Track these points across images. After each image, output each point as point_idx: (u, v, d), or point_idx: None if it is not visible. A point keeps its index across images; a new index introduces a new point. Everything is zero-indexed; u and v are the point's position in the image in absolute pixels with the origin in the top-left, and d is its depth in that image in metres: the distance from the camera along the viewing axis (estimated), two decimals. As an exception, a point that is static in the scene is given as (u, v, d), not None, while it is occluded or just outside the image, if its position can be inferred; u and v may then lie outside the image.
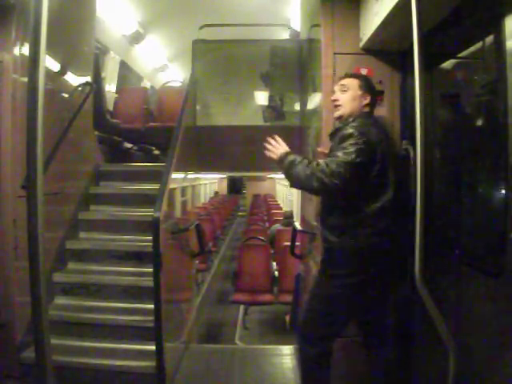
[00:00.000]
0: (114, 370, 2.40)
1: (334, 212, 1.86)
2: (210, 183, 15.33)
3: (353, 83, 1.91)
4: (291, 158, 1.78)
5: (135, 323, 2.60)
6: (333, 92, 1.97)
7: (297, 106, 4.02)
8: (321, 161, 1.73)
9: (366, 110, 1.93)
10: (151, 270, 2.17)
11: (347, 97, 1.91)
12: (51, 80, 2.92)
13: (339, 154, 1.71)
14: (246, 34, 4.36)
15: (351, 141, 1.74)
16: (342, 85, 1.93)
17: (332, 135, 1.96)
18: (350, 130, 1.77)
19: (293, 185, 1.84)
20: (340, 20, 2.31)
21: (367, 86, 1.94)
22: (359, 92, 1.90)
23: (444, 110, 2.12)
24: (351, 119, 1.89)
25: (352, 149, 1.71)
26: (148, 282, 2.44)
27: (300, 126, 3.69)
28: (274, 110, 3.97)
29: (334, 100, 1.94)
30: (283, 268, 4.88)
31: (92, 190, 3.51)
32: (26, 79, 1.06)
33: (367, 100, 1.92)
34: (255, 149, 2.49)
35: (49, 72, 2.83)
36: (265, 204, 14.98)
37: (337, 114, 1.94)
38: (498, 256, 1.47)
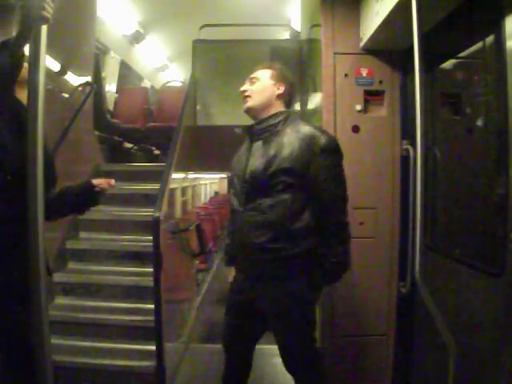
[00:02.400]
0: (113, 370, 2.40)
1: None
2: (211, 183, 15.32)
3: (263, 74, 1.77)
4: (343, 261, 1.64)
5: (135, 323, 2.60)
6: (245, 82, 1.81)
7: (297, 106, 4.02)
8: (333, 221, 1.61)
9: (280, 101, 1.75)
10: (151, 269, 2.17)
11: (256, 87, 1.75)
12: (51, 80, 2.92)
13: (337, 190, 1.62)
14: (246, 34, 4.36)
15: (339, 159, 1.66)
16: (252, 77, 1.78)
17: (257, 134, 1.73)
18: (329, 142, 1.62)
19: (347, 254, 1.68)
20: (340, 20, 2.31)
21: (280, 75, 1.78)
22: (271, 81, 1.75)
23: (444, 109, 2.12)
24: (279, 119, 1.71)
25: (343, 176, 1.65)
26: (148, 281, 2.44)
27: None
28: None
29: (242, 91, 1.77)
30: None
31: (92, 189, 3.51)
32: (26, 79, 1.06)
33: (281, 90, 1.75)
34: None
35: (49, 72, 2.82)
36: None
37: (245, 106, 1.75)
38: (498, 256, 1.47)
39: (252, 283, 1.71)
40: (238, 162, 1.77)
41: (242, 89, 1.77)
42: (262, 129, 1.72)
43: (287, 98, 1.78)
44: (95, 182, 1.71)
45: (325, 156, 1.60)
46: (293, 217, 1.62)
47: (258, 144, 1.70)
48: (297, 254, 1.63)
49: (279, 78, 1.76)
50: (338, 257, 1.61)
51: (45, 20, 1.08)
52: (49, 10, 1.10)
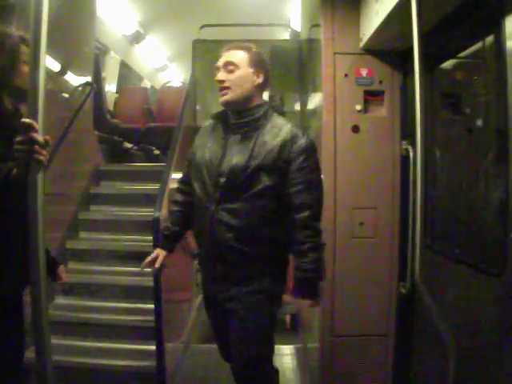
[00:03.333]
0: (113, 370, 2.40)
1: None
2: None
3: (240, 59, 1.55)
4: (313, 275, 1.53)
5: (135, 323, 2.60)
6: (216, 70, 1.59)
7: (297, 106, 4.02)
8: (304, 233, 1.52)
9: (259, 91, 1.60)
10: (151, 269, 2.17)
11: (235, 77, 1.54)
12: (51, 80, 2.92)
13: (314, 193, 1.55)
14: (246, 34, 4.36)
15: (317, 162, 1.59)
16: (229, 62, 1.55)
17: (236, 127, 1.59)
18: (309, 144, 1.55)
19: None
20: (340, 20, 2.31)
21: (258, 60, 1.59)
22: (250, 70, 1.56)
23: (444, 109, 2.12)
24: (260, 113, 1.57)
25: (321, 179, 1.62)
26: (148, 281, 2.44)
27: (300, 126, 3.69)
28: (274, 109, 4.01)
29: (220, 81, 1.56)
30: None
31: (92, 190, 3.52)
32: (25, 79, 1.06)
33: (260, 79, 1.58)
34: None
35: (49, 72, 2.83)
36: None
37: (224, 99, 1.56)
38: (498, 256, 1.47)
39: (222, 281, 1.61)
40: (210, 151, 1.58)
41: (220, 79, 1.56)
42: (242, 123, 1.57)
43: (264, 88, 1.62)
44: (61, 272, 1.66)
45: (304, 158, 1.53)
46: (267, 223, 1.54)
47: (236, 138, 1.57)
48: (271, 258, 1.59)
49: (258, 65, 1.58)
50: (311, 264, 1.51)
51: (41, 164, 1.03)
52: (43, 153, 1.03)
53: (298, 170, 1.52)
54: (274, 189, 1.52)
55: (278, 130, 1.54)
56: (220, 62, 1.58)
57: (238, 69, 1.54)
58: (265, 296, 1.59)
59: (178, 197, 1.78)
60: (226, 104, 1.58)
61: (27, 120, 1.02)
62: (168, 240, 1.76)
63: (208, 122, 1.71)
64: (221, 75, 1.56)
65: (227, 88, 1.54)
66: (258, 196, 1.51)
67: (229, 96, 1.55)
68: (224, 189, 1.52)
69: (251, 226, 1.53)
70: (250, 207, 1.51)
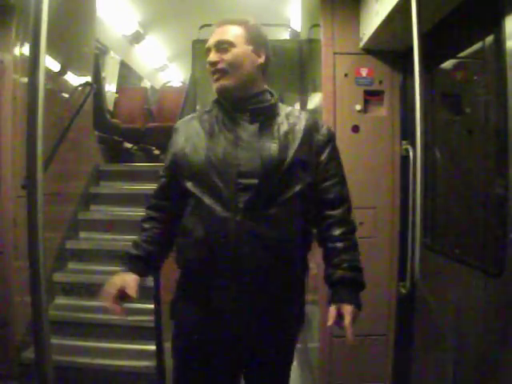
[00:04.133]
0: (114, 370, 2.40)
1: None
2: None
3: (236, 35, 1.24)
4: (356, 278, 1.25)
5: (135, 323, 2.60)
6: (207, 51, 1.27)
7: (297, 106, 4.02)
8: (342, 230, 1.27)
9: (261, 74, 1.31)
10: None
11: (232, 57, 1.23)
12: (51, 80, 2.92)
13: (345, 187, 1.34)
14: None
15: (338, 150, 1.35)
16: (222, 40, 1.24)
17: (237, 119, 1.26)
18: (331, 132, 1.35)
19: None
20: (340, 20, 2.31)
21: (259, 36, 1.30)
22: (248, 47, 1.25)
23: (444, 109, 2.12)
24: (272, 97, 1.31)
25: (343, 166, 1.36)
26: (148, 281, 2.44)
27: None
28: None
29: (212, 64, 1.24)
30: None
31: (92, 190, 3.52)
32: (26, 79, 1.06)
33: (262, 58, 1.29)
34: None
35: (49, 72, 2.83)
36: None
37: (219, 84, 1.25)
38: (498, 256, 1.47)
39: (237, 317, 1.21)
40: (214, 149, 1.23)
41: (212, 60, 1.24)
42: (257, 110, 1.27)
43: (266, 70, 1.34)
44: None
45: (332, 147, 1.31)
46: (305, 232, 1.29)
47: (251, 129, 1.24)
48: (303, 274, 1.33)
49: (258, 41, 1.29)
50: (354, 262, 1.25)
51: None
52: None
53: (329, 162, 1.29)
54: (312, 187, 1.26)
55: (295, 118, 1.30)
56: (211, 42, 1.26)
57: (233, 47, 1.23)
58: (296, 326, 1.36)
59: (153, 214, 1.38)
60: (224, 90, 1.26)
61: None
62: (139, 262, 1.33)
63: (189, 118, 1.38)
64: (213, 56, 1.24)
65: (223, 71, 1.23)
66: (298, 198, 1.22)
67: (227, 80, 1.23)
68: (254, 192, 1.18)
69: (293, 236, 1.23)
70: (289, 213, 1.21)
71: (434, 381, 1.94)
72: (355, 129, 2.28)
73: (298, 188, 1.22)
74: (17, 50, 2.46)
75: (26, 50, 2.48)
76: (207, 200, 1.20)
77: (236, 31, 1.25)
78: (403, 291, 2.07)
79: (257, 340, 1.25)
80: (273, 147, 1.21)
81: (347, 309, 1.20)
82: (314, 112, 2.83)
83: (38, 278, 1.02)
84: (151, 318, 2.25)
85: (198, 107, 4.23)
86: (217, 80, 1.25)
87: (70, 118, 3.00)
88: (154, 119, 5.09)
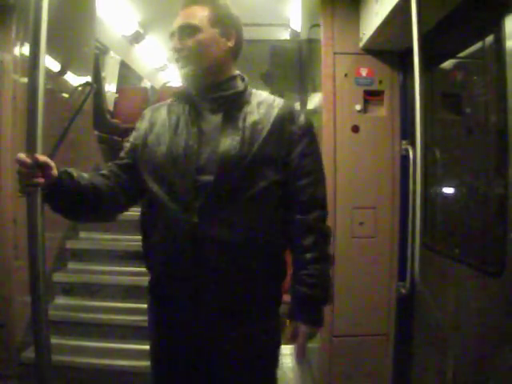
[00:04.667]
0: (113, 369, 2.40)
1: None
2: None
3: (202, 17, 1.13)
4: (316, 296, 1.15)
5: (135, 323, 2.60)
6: (171, 36, 1.16)
7: (297, 106, 4.01)
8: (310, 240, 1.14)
9: (231, 58, 1.20)
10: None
11: (196, 43, 1.12)
12: (51, 80, 2.92)
13: (320, 187, 1.19)
14: (245, 34, 4.35)
15: (319, 148, 1.21)
16: (185, 24, 1.12)
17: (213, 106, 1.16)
18: (309, 122, 1.19)
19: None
20: (340, 20, 2.31)
21: (227, 16, 1.18)
22: (214, 30, 1.14)
23: (444, 109, 2.12)
24: (241, 86, 1.19)
25: (324, 169, 1.23)
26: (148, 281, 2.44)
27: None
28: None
29: (178, 50, 1.14)
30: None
31: (92, 189, 3.51)
32: (26, 79, 1.06)
33: (231, 41, 1.18)
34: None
35: (49, 72, 2.83)
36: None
37: (183, 72, 1.15)
38: (498, 255, 1.47)
39: (211, 320, 1.14)
40: (175, 141, 1.13)
41: (175, 46, 1.14)
42: (221, 98, 1.16)
43: (238, 53, 1.23)
44: None
45: (308, 141, 1.17)
46: (272, 234, 1.15)
47: (214, 120, 1.14)
48: (276, 277, 1.22)
49: (226, 23, 1.17)
50: (317, 277, 1.13)
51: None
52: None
53: (301, 158, 1.15)
54: (280, 185, 1.14)
55: (268, 107, 1.16)
56: (174, 26, 1.15)
57: (198, 32, 1.12)
58: (273, 331, 1.22)
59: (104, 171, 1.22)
60: (187, 79, 1.16)
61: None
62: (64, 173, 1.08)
63: (158, 105, 1.28)
64: (176, 43, 1.14)
65: (186, 58, 1.13)
66: (261, 197, 1.10)
67: (189, 68, 1.13)
68: (210, 191, 1.08)
69: (254, 240, 1.11)
70: (250, 214, 1.10)
71: (434, 380, 1.94)
72: (355, 129, 2.28)
73: (262, 185, 1.10)
74: (17, 50, 2.46)
75: (26, 50, 2.48)
76: (164, 198, 1.11)
77: (201, 13, 1.14)
78: (403, 291, 2.07)
79: (228, 345, 1.16)
80: (235, 140, 1.10)
81: (301, 328, 1.14)
82: (314, 112, 2.83)
83: (38, 278, 1.02)
84: (151, 317, 2.25)
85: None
86: (181, 68, 1.15)
87: (69, 118, 2.99)
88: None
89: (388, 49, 2.24)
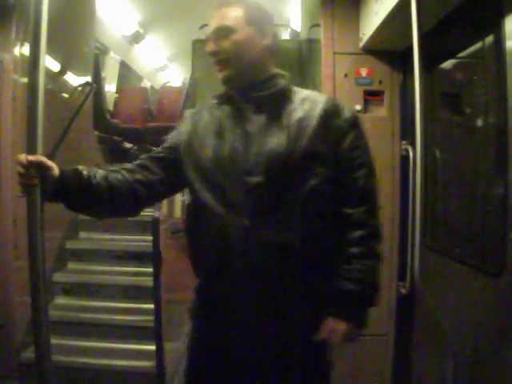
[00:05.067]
0: (114, 369, 2.40)
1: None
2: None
3: (236, 17, 1.11)
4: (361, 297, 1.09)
5: (135, 323, 2.60)
6: (207, 40, 1.15)
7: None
8: (361, 232, 1.11)
9: (269, 56, 1.17)
10: (151, 269, 2.17)
11: (232, 44, 1.10)
12: (51, 80, 2.92)
13: (371, 180, 1.13)
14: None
15: (366, 141, 1.16)
16: (220, 27, 1.11)
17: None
18: (354, 116, 1.15)
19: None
20: (340, 20, 2.31)
21: (261, 14, 1.15)
22: (250, 29, 1.11)
23: (444, 109, 2.12)
24: (283, 83, 1.15)
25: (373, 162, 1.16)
26: (148, 281, 2.44)
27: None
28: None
29: (212, 54, 1.14)
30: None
31: (92, 189, 3.51)
32: (26, 79, 1.06)
33: (267, 39, 1.14)
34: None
35: (49, 72, 2.82)
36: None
37: (223, 76, 1.14)
38: (498, 256, 1.47)
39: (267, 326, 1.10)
40: (221, 144, 1.11)
41: (210, 50, 1.14)
42: (265, 97, 1.13)
43: (273, 51, 1.18)
44: None
45: (356, 134, 1.13)
46: (326, 233, 1.11)
47: (259, 119, 1.11)
48: (329, 280, 1.13)
49: (261, 21, 1.14)
50: (363, 273, 1.09)
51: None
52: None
53: (350, 151, 1.11)
54: (330, 181, 1.09)
55: (312, 103, 1.13)
56: (209, 30, 1.14)
57: (233, 33, 1.10)
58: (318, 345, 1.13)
59: (131, 166, 1.18)
60: (228, 82, 1.15)
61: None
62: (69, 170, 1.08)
63: (199, 108, 1.28)
64: (211, 45, 1.13)
65: (225, 61, 1.12)
66: (312, 195, 1.07)
67: (228, 71, 1.12)
68: (260, 192, 1.05)
69: (307, 241, 1.07)
70: (302, 214, 1.06)
71: (434, 380, 1.94)
72: (355, 129, 2.27)
73: (312, 184, 1.06)
74: (17, 50, 2.46)
75: (26, 50, 2.48)
76: (212, 202, 1.08)
77: (234, 13, 1.11)
78: (403, 291, 2.07)
79: (271, 352, 1.13)
80: (281, 139, 1.06)
81: (341, 326, 1.07)
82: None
83: (38, 278, 1.02)
84: (151, 317, 2.25)
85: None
86: (220, 71, 1.14)
87: (69, 118, 2.99)
88: (154, 119, 5.09)
89: (388, 49, 2.24)
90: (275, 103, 1.13)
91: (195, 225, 1.17)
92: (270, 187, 1.05)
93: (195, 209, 1.15)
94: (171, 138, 1.23)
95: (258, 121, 1.11)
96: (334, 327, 1.07)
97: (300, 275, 1.08)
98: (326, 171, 1.08)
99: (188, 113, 1.27)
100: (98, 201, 1.10)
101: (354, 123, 1.14)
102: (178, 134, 1.23)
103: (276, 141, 1.07)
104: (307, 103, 1.13)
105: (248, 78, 1.14)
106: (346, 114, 1.14)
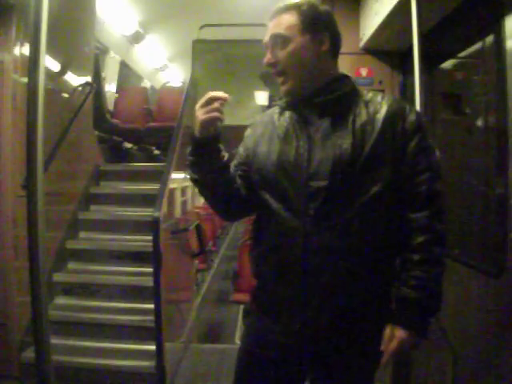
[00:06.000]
0: (114, 370, 2.40)
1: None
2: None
3: (290, 25, 1.08)
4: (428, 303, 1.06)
5: (135, 323, 2.60)
6: (265, 48, 1.13)
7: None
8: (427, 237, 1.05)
9: (330, 58, 1.13)
10: (151, 269, 2.17)
11: (289, 55, 1.08)
12: (51, 80, 2.92)
13: (436, 184, 1.08)
14: (246, 34, 4.36)
15: (431, 143, 1.13)
16: (275, 35, 1.09)
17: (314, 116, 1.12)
18: (420, 118, 1.12)
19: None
20: (340, 20, 2.28)
21: (317, 18, 1.10)
22: (306, 37, 1.08)
23: (444, 109, 2.12)
24: (347, 86, 1.13)
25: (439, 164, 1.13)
26: (148, 281, 2.44)
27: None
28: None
29: (270, 65, 1.12)
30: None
31: (92, 189, 3.51)
32: (26, 79, 1.06)
33: (326, 44, 1.10)
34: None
35: (49, 72, 2.83)
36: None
37: (283, 90, 1.13)
38: (498, 256, 1.47)
39: (322, 333, 1.09)
40: (286, 148, 1.11)
41: (267, 62, 1.12)
42: (328, 101, 1.11)
43: (337, 51, 1.15)
44: None
45: (422, 136, 1.10)
46: (389, 240, 1.09)
47: (323, 123, 1.10)
48: (387, 288, 1.11)
49: (318, 26, 1.10)
50: (426, 281, 1.04)
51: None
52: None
53: (415, 154, 1.08)
54: (395, 186, 1.07)
55: (377, 105, 1.11)
56: (265, 38, 1.12)
57: (289, 42, 1.08)
58: (377, 347, 1.09)
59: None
60: (289, 95, 1.14)
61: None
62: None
63: (266, 115, 1.27)
64: (269, 56, 1.11)
65: (283, 73, 1.10)
66: (377, 201, 1.05)
67: (289, 83, 1.10)
68: (324, 196, 1.05)
69: (370, 247, 1.06)
70: (366, 220, 1.05)
71: (434, 380, 1.94)
72: (355, 129, 2.28)
73: (377, 188, 1.04)
74: (17, 50, 2.46)
75: (26, 50, 2.48)
76: (276, 206, 1.10)
77: (289, 21, 1.08)
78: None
79: (326, 358, 1.13)
80: (345, 143, 1.05)
81: (399, 333, 1.04)
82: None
83: (38, 278, 1.02)
84: (151, 317, 2.25)
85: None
86: (281, 84, 1.12)
87: (69, 118, 2.99)
88: (154, 119, 5.08)
89: (388, 49, 2.25)
90: (339, 107, 1.11)
91: (260, 228, 1.18)
92: (333, 191, 1.04)
93: (260, 213, 1.18)
94: (241, 151, 1.25)
95: (321, 125, 1.10)
96: (395, 335, 1.05)
97: (360, 280, 1.07)
98: (390, 175, 1.06)
99: (253, 120, 1.28)
100: (219, 183, 1.17)
101: (419, 126, 1.10)
102: (245, 143, 1.25)
103: (340, 145, 1.06)
104: (372, 105, 1.11)
105: (309, 86, 1.12)
106: (411, 116, 1.10)
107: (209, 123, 1.09)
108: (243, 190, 1.20)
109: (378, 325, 1.09)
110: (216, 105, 1.06)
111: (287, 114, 1.17)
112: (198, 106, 1.09)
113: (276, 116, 1.20)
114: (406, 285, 1.05)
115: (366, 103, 1.11)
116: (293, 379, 1.19)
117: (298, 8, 1.09)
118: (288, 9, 1.10)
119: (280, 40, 1.08)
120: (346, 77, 1.15)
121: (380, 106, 1.10)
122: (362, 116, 1.09)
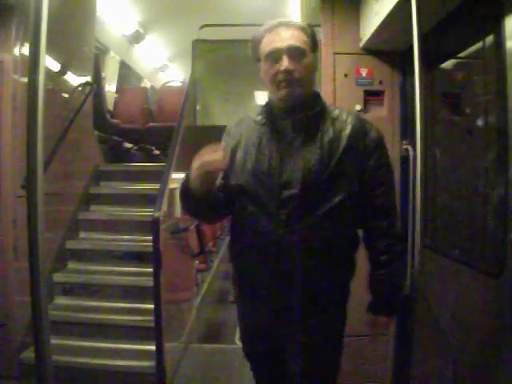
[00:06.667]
0: (114, 370, 2.40)
1: None
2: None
3: (306, 42, 1.22)
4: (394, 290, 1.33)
5: (135, 323, 2.60)
6: (276, 53, 1.20)
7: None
8: (386, 243, 1.29)
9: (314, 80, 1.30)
10: (151, 270, 2.17)
11: (305, 66, 1.21)
12: (51, 80, 2.92)
13: (388, 198, 1.30)
14: (246, 34, 4.35)
15: (388, 156, 1.32)
16: (295, 47, 1.19)
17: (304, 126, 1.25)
18: (380, 135, 1.30)
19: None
20: (340, 20, 2.31)
21: (316, 40, 1.28)
22: (312, 55, 1.25)
23: (444, 109, 2.12)
24: (319, 103, 1.28)
25: (393, 173, 1.35)
26: (148, 281, 2.44)
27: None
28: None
29: (288, 72, 1.19)
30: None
31: (92, 190, 3.51)
32: (26, 79, 1.06)
33: (318, 65, 1.33)
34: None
35: (49, 72, 2.82)
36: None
37: (293, 91, 1.21)
38: (498, 256, 1.47)
39: (293, 314, 1.30)
40: (261, 157, 1.24)
41: (288, 68, 1.18)
42: (303, 118, 1.24)
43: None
44: None
45: (381, 153, 1.28)
46: (348, 240, 1.32)
47: (296, 137, 1.24)
48: (349, 275, 1.39)
49: (317, 47, 1.28)
50: (394, 276, 1.30)
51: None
52: None
53: (376, 168, 1.26)
54: (355, 195, 1.25)
55: (343, 123, 1.26)
56: (282, 45, 1.19)
57: (304, 56, 1.20)
58: (342, 319, 1.42)
59: None
60: (293, 98, 1.22)
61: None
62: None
63: (239, 122, 1.40)
64: (289, 64, 1.18)
65: (296, 80, 1.19)
66: (339, 207, 1.22)
67: (299, 89, 1.21)
68: (294, 203, 1.20)
69: (332, 245, 1.25)
70: (329, 223, 1.22)
71: (434, 381, 1.94)
72: (355, 129, 2.28)
73: (340, 197, 1.22)
74: (17, 50, 2.46)
75: (26, 50, 2.48)
76: (252, 209, 1.25)
77: (304, 38, 1.22)
78: (403, 291, 2.07)
79: (303, 332, 1.31)
80: (314, 157, 1.21)
81: (379, 319, 1.37)
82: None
83: (38, 278, 1.02)
84: (151, 318, 2.25)
85: (197, 107, 4.24)
86: (286, 87, 1.21)
87: (69, 118, 2.99)
88: (154, 119, 5.08)
89: (388, 49, 2.25)
90: (311, 123, 1.25)
91: (238, 227, 1.34)
92: (303, 199, 1.20)
93: (238, 214, 1.32)
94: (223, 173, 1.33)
95: (294, 139, 1.24)
96: (375, 320, 1.38)
97: (322, 270, 1.26)
98: (352, 186, 1.24)
99: (230, 127, 1.40)
100: (212, 204, 1.31)
101: (379, 143, 1.28)
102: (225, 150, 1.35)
103: (309, 159, 1.21)
104: (338, 124, 1.26)
105: (301, 98, 1.25)
106: (373, 134, 1.27)
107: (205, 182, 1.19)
108: (221, 194, 1.31)
109: (336, 286, 1.36)
110: (213, 175, 1.17)
111: (263, 124, 1.30)
112: (195, 165, 1.16)
113: (252, 125, 1.32)
114: (379, 282, 1.31)
115: (333, 120, 1.27)
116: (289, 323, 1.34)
117: (305, 29, 1.24)
118: (296, 27, 1.23)
119: (298, 52, 1.20)
120: (318, 95, 1.32)
121: (345, 124, 1.26)
122: (330, 133, 1.24)
